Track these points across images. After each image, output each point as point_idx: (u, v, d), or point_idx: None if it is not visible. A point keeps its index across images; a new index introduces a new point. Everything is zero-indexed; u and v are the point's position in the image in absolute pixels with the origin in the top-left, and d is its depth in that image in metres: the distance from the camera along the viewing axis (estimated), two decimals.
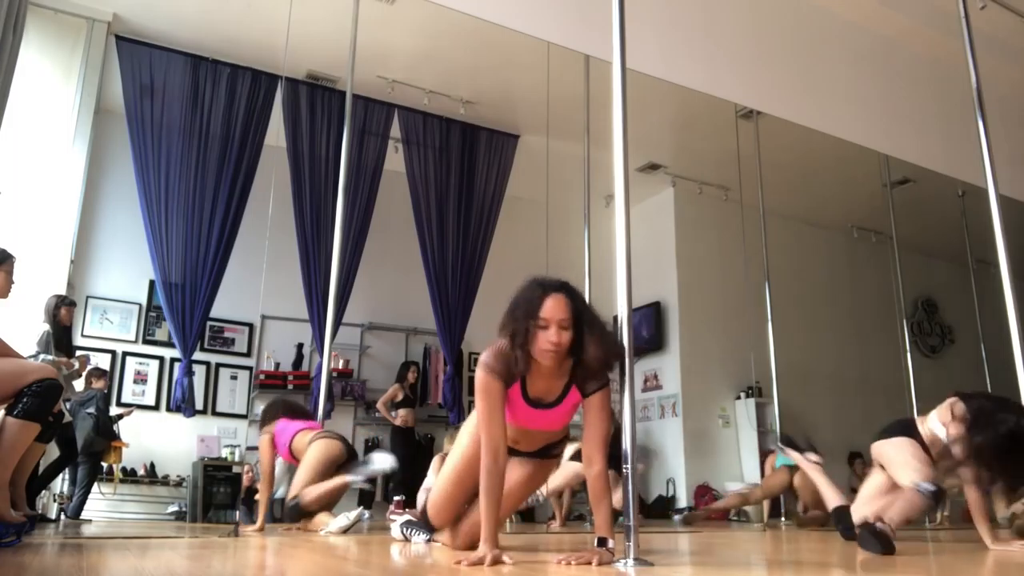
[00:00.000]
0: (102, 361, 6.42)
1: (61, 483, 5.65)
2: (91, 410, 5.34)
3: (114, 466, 6.15)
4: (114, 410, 5.93)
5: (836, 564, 2.22)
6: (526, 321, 2.06)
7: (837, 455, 7.30)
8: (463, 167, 7.50)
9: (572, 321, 2.05)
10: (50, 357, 4.57)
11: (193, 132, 6.34)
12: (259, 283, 6.25)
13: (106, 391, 5.60)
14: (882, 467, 3.14)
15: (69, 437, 5.09)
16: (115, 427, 5.72)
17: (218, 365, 7.24)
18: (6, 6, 3.96)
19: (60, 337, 4.77)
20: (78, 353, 5.06)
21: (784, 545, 3.22)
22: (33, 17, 5.10)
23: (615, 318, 2.33)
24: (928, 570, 2.06)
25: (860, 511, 3.05)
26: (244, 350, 7.36)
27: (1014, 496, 3.05)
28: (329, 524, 3.66)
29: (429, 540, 2.70)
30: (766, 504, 6.19)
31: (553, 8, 4.09)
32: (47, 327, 4.69)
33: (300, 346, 7.37)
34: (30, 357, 4.41)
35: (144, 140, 6.18)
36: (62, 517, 5.42)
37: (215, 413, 7.07)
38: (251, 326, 7.39)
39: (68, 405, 5.07)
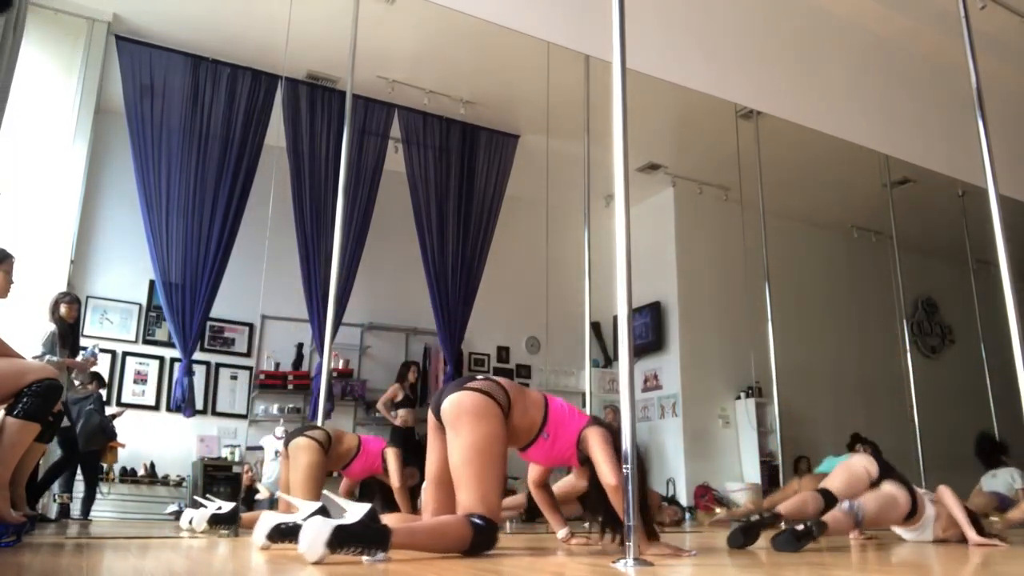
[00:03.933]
0: (102, 361, 6.41)
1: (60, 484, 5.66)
2: (91, 406, 5.35)
3: (112, 466, 6.15)
4: (108, 410, 5.93)
5: (836, 564, 2.22)
6: None
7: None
8: (463, 167, 7.50)
9: None
10: (55, 359, 4.56)
11: (193, 132, 6.34)
12: (259, 283, 6.25)
13: (100, 394, 5.61)
14: None
15: (71, 438, 5.10)
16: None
17: (218, 365, 7.23)
18: None
19: (65, 335, 4.77)
20: (81, 354, 5.06)
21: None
22: (33, 17, 5.10)
23: (615, 318, 2.34)
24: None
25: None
26: (244, 350, 7.36)
27: None
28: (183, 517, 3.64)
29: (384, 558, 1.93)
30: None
31: (553, 8, 4.09)
32: (52, 326, 4.69)
33: (300, 346, 7.37)
34: (35, 358, 4.41)
35: (144, 140, 6.18)
36: (73, 515, 5.44)
37: (215, 413, 7.07)
38: (251, 326, 7.39)
39: (63, 406, 5.08)
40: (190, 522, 3.79)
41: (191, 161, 6.29)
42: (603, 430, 2.44)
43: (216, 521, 3.73)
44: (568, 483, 4.52)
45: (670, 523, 5.66)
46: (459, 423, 2.20)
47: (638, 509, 2.06)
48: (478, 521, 2.05)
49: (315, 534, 1.73)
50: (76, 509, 5.56)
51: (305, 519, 1.84)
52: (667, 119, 7.40)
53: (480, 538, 2.05)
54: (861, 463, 3.33)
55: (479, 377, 2.35)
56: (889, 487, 3.24)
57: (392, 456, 4.12)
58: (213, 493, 6.16)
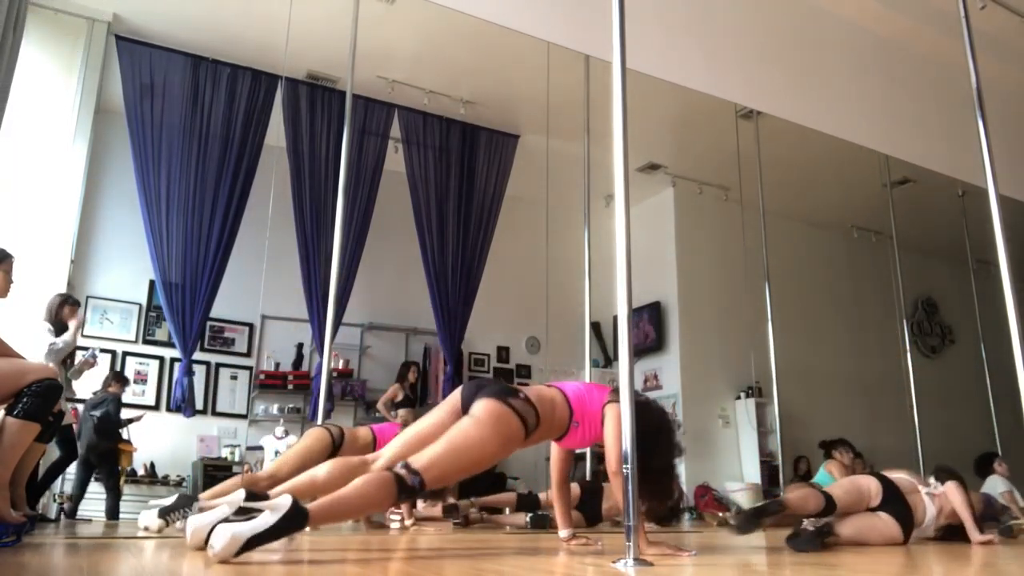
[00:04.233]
0: (102, 361, 6.40)
1: (61, 483, 5.65)
2: (99, 412, 5.35)
3: (122, 468, 6.13)
4: (125, 414, 5.92)
5: (839, 564, 2.22)
6: None
7: None
8: (463, 167, 7.50)
9: None
10: (67, 338, 4.50)
11: (193, 132, 6.34)
12: (259, 283, 6.26)
13: (120, 395, 5.63)
14: None
15: (69, 438, 5.09)
16: (125, 430, 5.72)
17: (218, 365, 7.23)
18: (6, 6, 3.96)
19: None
20: (79, 356, 5.05)
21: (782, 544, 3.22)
22: (33, 17, 5.10)
23: (615, 318, 2.34)
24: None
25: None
26: (244, 350, 7.36)
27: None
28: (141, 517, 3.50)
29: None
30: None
31: (553, 8, 4.09)
32: (49, 326, 4.68)
33: (300, 346, 7.37)
34: (51, 345, 4.39)
35: (144, 140, 6.18)
36: (115, 515, 5.46)
37: (215, 413, 7.07)
38: (251, 326, 7.39)
39: (80, 407, 5.08)
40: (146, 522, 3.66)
41: (191, 161, 6.29)
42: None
43: (166, 512, 3.60)
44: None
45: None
46: (481, 420, 2.22)
47: (638, 503, 2.06)
48: (414, 483, 2.03)
49: (227, 544, 1.75)
50: (81, 510, 5.55)
51: (225, 517, 1.84)
52: (667, 119, 7.40)
53: (404, 495, 2.05)
54: (868, 485, 3.22)
55: (520, 395, 2.34)
56: (881, 516, 3.16)
57: None
58: None
